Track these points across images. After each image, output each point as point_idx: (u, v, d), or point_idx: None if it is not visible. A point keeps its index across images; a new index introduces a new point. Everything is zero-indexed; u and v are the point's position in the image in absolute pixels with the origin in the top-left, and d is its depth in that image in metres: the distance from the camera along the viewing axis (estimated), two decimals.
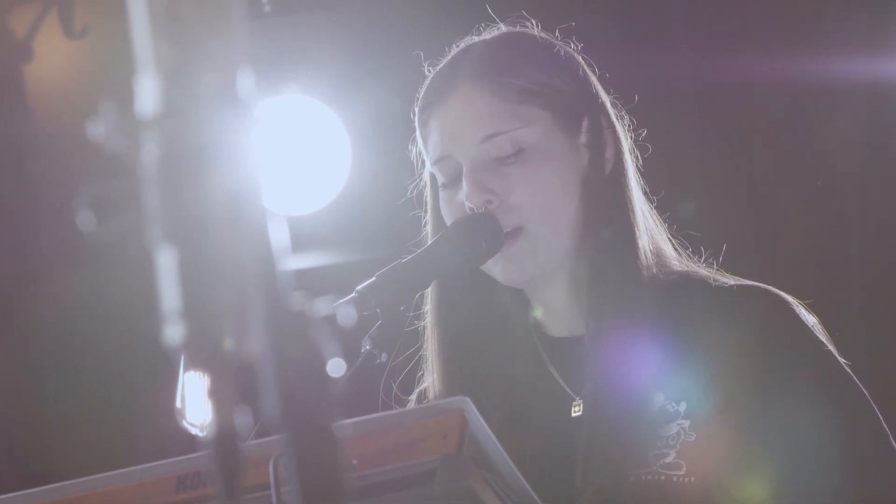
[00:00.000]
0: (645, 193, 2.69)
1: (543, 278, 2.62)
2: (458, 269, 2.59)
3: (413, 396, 2.75)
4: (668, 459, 2.47)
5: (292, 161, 4.88)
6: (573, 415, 2.57)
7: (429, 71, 2.70)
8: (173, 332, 1.16)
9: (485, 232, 2.55)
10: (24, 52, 4.93)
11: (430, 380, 2.69)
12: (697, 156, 4.75)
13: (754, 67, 4.71)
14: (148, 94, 1.15)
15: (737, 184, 4.82)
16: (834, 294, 4.58)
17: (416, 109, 2.67)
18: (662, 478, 2.46)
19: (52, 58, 4.98)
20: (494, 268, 2.60)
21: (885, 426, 2.50)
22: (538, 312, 2.69)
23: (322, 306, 1.20)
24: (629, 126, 2.71)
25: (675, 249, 2.69)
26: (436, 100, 2.63)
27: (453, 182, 2.62)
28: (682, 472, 2.45)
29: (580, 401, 2.58)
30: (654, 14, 4.86)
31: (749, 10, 4.81)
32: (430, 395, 2.69)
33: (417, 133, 2.68)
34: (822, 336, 2.54)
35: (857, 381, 2.52)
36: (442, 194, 2.65)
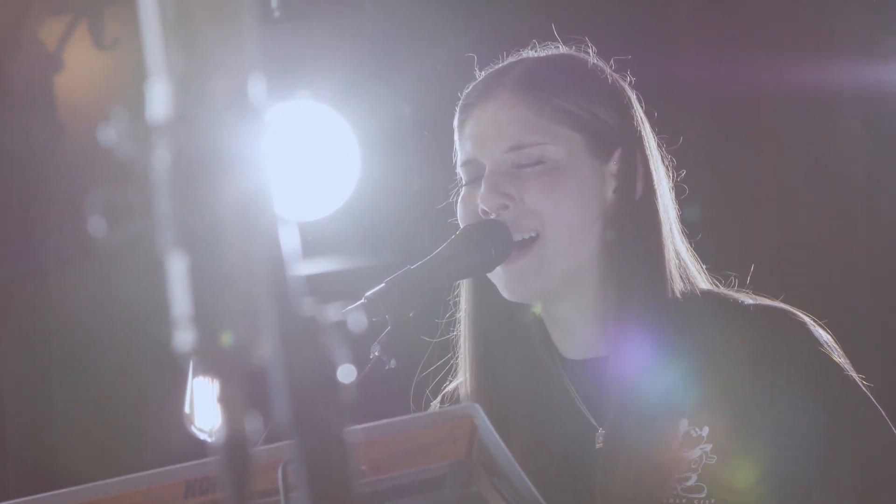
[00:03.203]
0: (683, 233, 2.68)
1: (550, 298, 2.62)
2: (468, 275, 2.59)
3: (436, 402, 2.76)
4: (690, 483, 2.48)
5: (302, 167, 4.89)
6: (597, 446, 2.57)
7: (479, 75, 2.71)
8: (184, 338, 1.16)
9: (494, 239, 2.55)
10: (54, 62, 4.96)
11: (463, 378, 2.70)
12: (702, 160, 4.74)
13: (759, 73, 4.71)
14: (160, 100, 1.15)
15: (742, 189, 4.82)
16: (840, 299, 4.58)
17: (458, 109, 2.69)
18: (684, 501, 2.46)
19: (82, 68, 5.01)
20: (500, 283, 2.60)
21: None
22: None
23: (332, 312, 1.21)
24: (671, 165, 2.71)
25: (709, 281, 2.68)
26: (475, 102, 2.65)
27: (474, 182, 2.63)
28: (703, 495, 2.47)
29: (602, 433, 2.58)
30: (659, 20, 4.87)
31: (754, 15, 4.81)
32: (463, 392, 2.70)
33: (455, 132, 2.69)
34: (839, 357, 2.54)
35: (876, 404, 2.52)
36: (461, 192, 2.66)
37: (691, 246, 2.69)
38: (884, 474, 2.49)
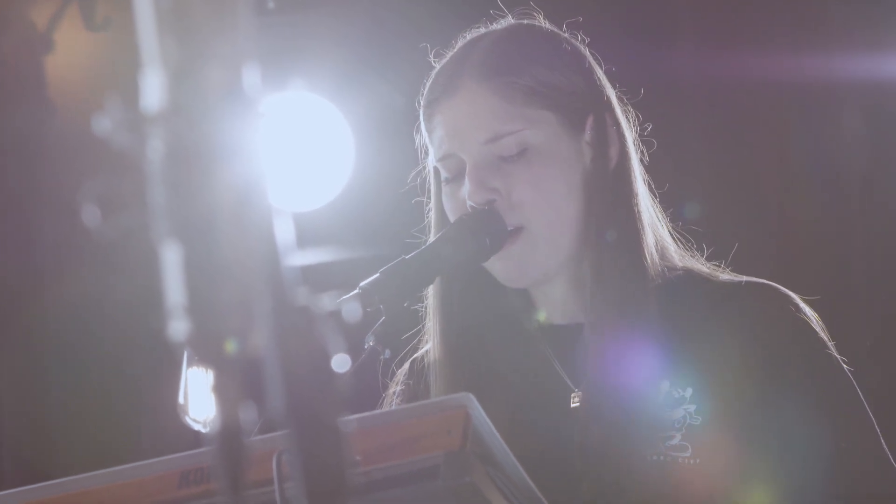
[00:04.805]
0: (649, 187, 2.70)
1: (544, 279, 2.63)
2: (462, 265, 2.59)
3: (405, 367, 2.76)
4: (674, 442, 2.49)
5: (297, 157, 4.89)
6: (572, 406, 2.58)
7: (435, 62, 2.70)
8: (178, 328, 1.16)
9: (488, 229, 2.55)
10: (44, 43, 4.94)
11: (429, 346, 2.70)
12: (700, 152, 4.75)
13: (758, 64, 4.71)
14: (154, 90, 1.15)
15: (739, 180, 4.82)
16: (836, 292, 4.58)
17: (422, 102, 2.68)
18: (668, 458, 2.48)
19: (73, 50, 4.99)
20: (495, 270, 2.61)
21: (876, 428, 2.52)
22: (542, 315, 2.69)
23: (326, 302, 1.21)
24: (634, 120, 2.71)
25: (678, 244, 2.70)
26: (441, 96, 2.63)
27: (456, 177, 2.63)
28: (688, 454, 2.48)
29: (579, 392, 2.59)
30: (658, 11, 4.86)
31: (753, 7, 4.80)
32: (429, 360, 2.70)
33: (422, 126, 2.68)
34: (822, 333, 2.56)
35: (853, 382, 2.54)
36: (445, 188, 2.65)
37: (667, 216, 2.70)
38: (856, 456, 2.50)
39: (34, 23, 4.97)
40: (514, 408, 2.60)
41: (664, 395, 2.52)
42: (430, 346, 2.72)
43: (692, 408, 2.51)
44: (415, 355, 2.76)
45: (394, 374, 2.76)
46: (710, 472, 2.48)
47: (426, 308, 2.71)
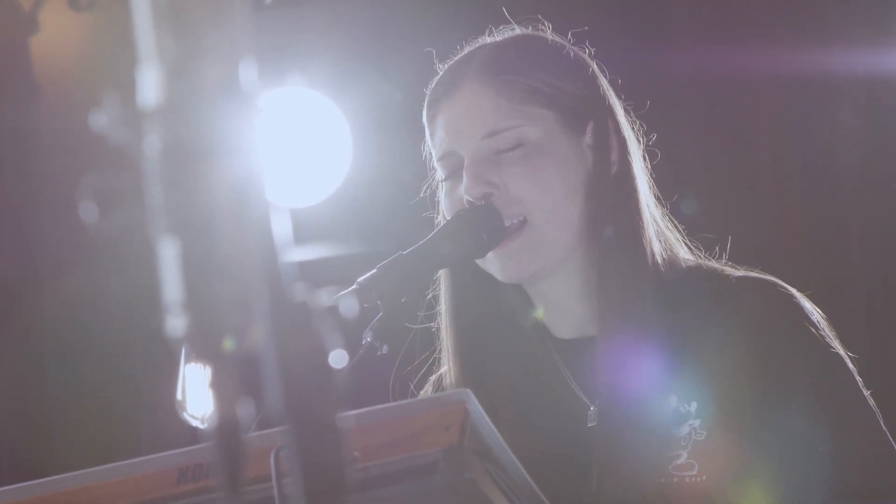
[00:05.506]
0: (657, 198, 2.69)
1: (542, 276, 2.62)
2: (460, 260, 2.59)
3: (428, 388, 2.76)
4: (681, 461, 2.48)
5: (294, 153, 4.89)
6: (589, 424, 2.57)
7: (440, 69, 2.71)
8: (176, 325, 1.16)
9: (486, 224, 2.55)
10: (29, 24, 4.92)
11: (446, 368, 2.70)
12: (699, 151, 4.75)
13: (756, 63, 4.71)
14: (152, 86, 1.15)
15: (739, 179, 4.82)
16: (834, 289, 4.58)
17: (425, 105, 2.69)
18: (675, 480, 2.47)
19: (59, 31, 4.97)
20: (493, 265, 2.60)
21: (883, 427, 2.51)
22: (539, 313, 2.69)
23: (324, 298, 1.20)
24: (641, 130, 2.71)
25: (692, 251, 2.69)
26: (442, 96, 2.65)
27: (454, 175, 2.63)
28: (694, 473, 2.47)
29: (595, 410, 2.58)
30: (655, 10, 4.86)
31: (752, 3, 4.80)
32: (447, 382, 2.70)
33: (426, 129, 2.69)
34: (825, 329, 2.55)
35: (858, 378, 2.53)
36: (443, 186, 2.65)
37: (670, 214, 2.70)
38: (861, 455, 2.49)
39: (19, 3, 4.96)
40: (526, 414, 2.60)
41: (671, 411, 2.52)
42: (444, 369, 2.71)
43: (697, 422, 2.50)
44: (437, 374, 2.75)
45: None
46: (717, 487, 2.47)
47: (438, 322, 2.70)
